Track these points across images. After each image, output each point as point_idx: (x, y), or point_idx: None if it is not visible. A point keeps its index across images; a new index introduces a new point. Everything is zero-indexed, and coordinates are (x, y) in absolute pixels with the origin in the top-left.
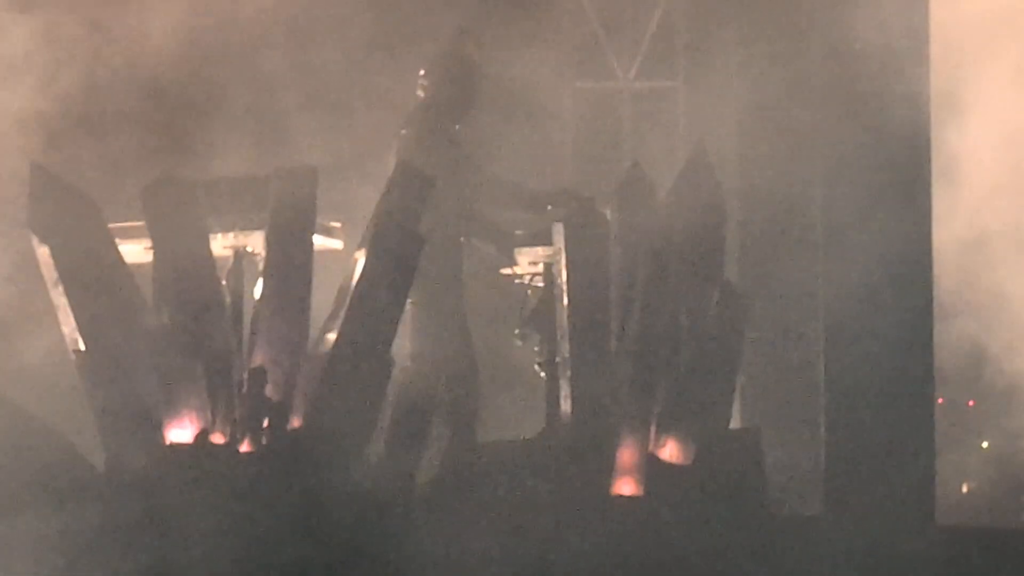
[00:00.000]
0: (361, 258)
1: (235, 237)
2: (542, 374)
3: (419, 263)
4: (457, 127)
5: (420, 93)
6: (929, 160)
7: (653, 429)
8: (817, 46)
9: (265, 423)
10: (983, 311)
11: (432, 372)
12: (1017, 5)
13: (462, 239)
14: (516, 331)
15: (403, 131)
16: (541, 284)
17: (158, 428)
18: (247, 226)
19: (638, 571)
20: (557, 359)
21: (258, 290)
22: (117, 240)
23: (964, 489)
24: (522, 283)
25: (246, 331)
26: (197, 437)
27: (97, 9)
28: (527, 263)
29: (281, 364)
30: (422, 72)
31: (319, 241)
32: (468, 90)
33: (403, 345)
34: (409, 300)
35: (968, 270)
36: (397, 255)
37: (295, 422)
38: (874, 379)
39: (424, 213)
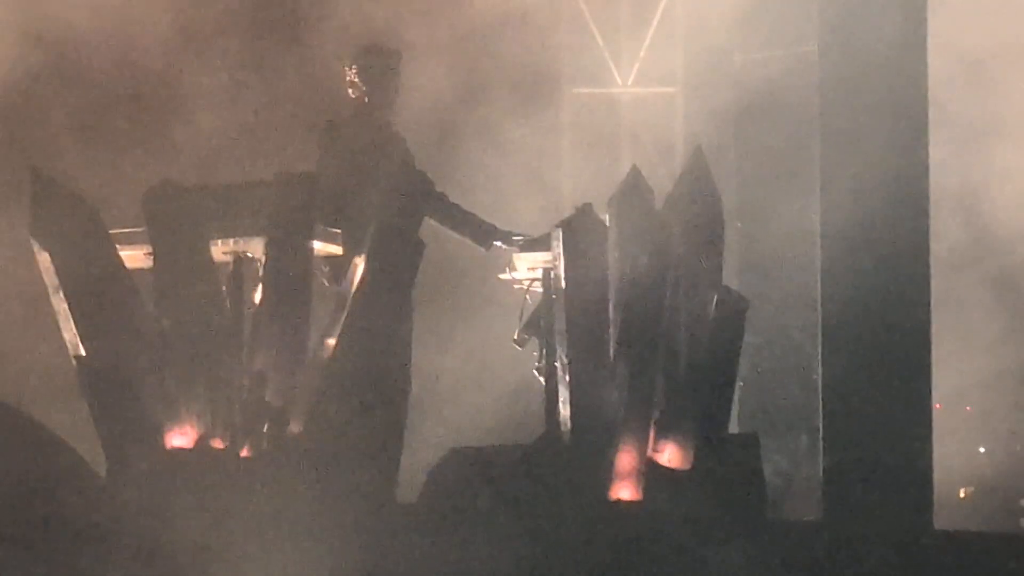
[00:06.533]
0: (361, 264)
1: (235, 243)
2: (541, 379)
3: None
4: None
5: (351, 92)
6: (927, 165)
7: (652, 434)
8: (813, 49)
9: (265, 428)
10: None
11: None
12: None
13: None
14: (514, 336)
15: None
16: (539, 289)
17: (159, 434)
18: (247, 232)
19: None
20: (556, 364)
21: (258, 296)
22: (118, 246)
23: (962, 494)
24: (520, 288)
25: (246, 337)
26: (197, 443)
27: (95, 11)
28: (525, 268)
29: (281, 369)
30: (350, 70)
31: (319, 247)
32: (394, 79)
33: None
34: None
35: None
36: (397, 260)
37: (295, 428)
38: (872, 384)
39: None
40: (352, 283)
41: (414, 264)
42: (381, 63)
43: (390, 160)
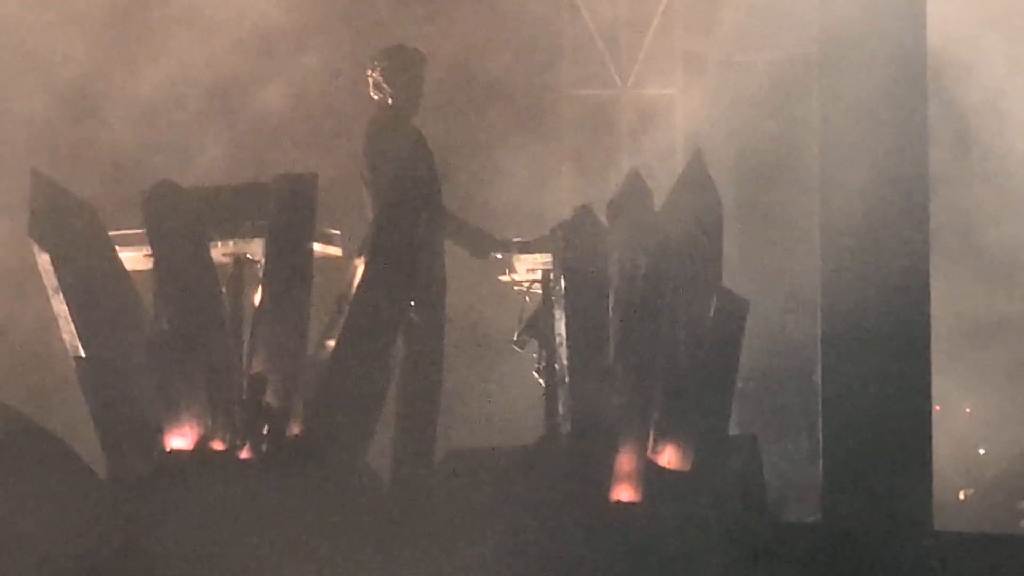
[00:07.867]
0: (360, 265)
1: (235, 244)
2: (540, 381)
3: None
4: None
5: (374, 94)
6: (927, 167)
7: (651, 436)
8: (813, 52)
9: (265, 430)
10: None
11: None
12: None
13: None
14: (514, 338)
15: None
16: (539, 291)
17: (158, 435)
18: (247, 233)
19: None
20: (555, 366)
21: (258, 297)
22: (117, 247)
23: (961, 496)
24: (520, 290)
25: (246, 338)
26: (197, 444)
27: (98, 16)
28: (525, 270)
29: (280, 371)
30: (374, 71)
31: (318, 248)
32: (418, 81)
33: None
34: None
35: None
36: (396, 262)
37: (294, 429)
38: (871, 386)
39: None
40: (352, 284)
41: (414, 265)
42: (407, 65)
43: (416, 163)
